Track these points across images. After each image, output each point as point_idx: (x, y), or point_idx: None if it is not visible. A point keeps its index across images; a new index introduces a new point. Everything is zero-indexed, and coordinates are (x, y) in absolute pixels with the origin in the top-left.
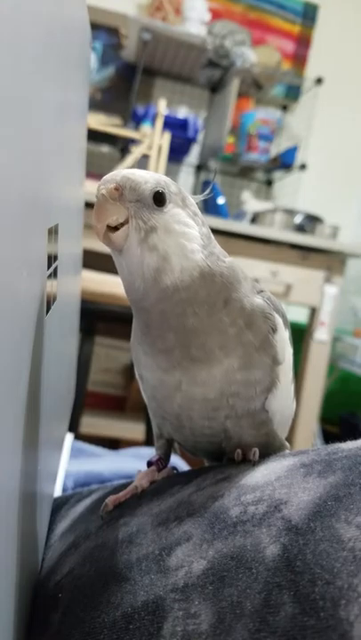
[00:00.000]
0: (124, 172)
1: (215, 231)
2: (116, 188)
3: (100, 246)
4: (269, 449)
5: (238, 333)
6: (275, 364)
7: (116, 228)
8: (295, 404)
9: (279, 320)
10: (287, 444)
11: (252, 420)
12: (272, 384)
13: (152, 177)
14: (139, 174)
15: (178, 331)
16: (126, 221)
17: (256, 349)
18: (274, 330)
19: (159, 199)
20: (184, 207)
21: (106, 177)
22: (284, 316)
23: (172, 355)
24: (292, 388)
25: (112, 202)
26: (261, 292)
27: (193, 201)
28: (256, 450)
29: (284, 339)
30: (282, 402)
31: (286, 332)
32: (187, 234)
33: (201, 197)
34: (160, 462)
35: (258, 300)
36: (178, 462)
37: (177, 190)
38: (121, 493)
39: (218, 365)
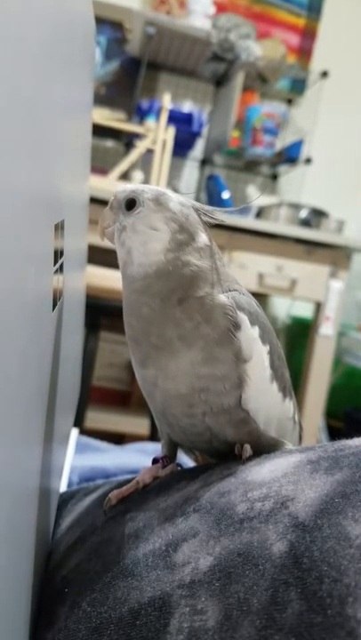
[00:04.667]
0: (118, 187)
1: (219, 226)
2: (111, 202)
3: (105, 242)
4: (258, 448)
5: (196, 327)
6: (240, 361)
7: None
8: (291, 404)
9: (244, 318)
10: (285, 442)
11: (230, 417)
12: (241, 381)
13: (131, 188)
14: (123, 187)
15: (137, 318)
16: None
17: (216, 343)
18: (236, 327)
19: (130, 204)
20: (158, 212)
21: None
22: (252, 315)
23: (140, 342)
24: (274, 386)
25: (109, 210)
26: (232, 291)
27: (177, 208)
28: (247, 446)
29: (250, 336)
30: (261, 400)
31: (255, 330)
32: (149, 235)
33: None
34: (165, 460)
35: (221, 298)
36: (185, 460)
37: (153, 197)
38: (124, 488)
39: (182, 357)
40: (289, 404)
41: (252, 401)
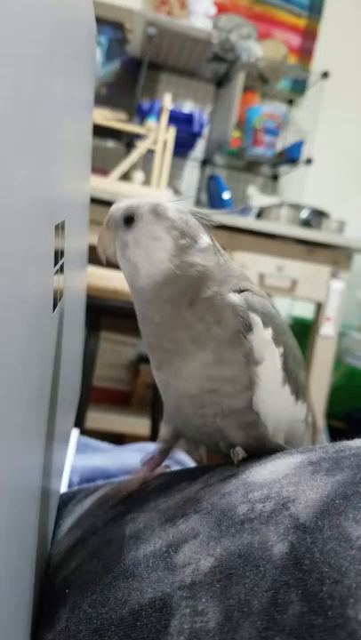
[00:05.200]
0: (112, 207)
1: (220, 226)
2: (107, 221)
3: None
4: (263, 452)
5: (207, 328)
6: (250, 363)
7: None
8: (303, 406)
9: (257, 319)
10: (288, 447)
11: (239, 419)
12: (251, 383)
13: (126, 204)
14: (117, 205)
15: (150, 326)
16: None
17: (227, 344)
18: (247, 328)
19: (128, 221)
20: (157, 222)
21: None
22: (266, 316)
23: (155, 348)
24: (286, 389)
25: (105, 230)
26: (244, 291)
27: (176, 216)
28: (239, 448)
29: (263, 338)
30: (271, 403)
31: (268, 332)
32: (153, 246)
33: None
34: (154, 461)
35: (232, 298)
36: (188, 461)
37: (150, 209)
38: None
39: (193, 359)
40: (302, 407)
41: (262, 403)
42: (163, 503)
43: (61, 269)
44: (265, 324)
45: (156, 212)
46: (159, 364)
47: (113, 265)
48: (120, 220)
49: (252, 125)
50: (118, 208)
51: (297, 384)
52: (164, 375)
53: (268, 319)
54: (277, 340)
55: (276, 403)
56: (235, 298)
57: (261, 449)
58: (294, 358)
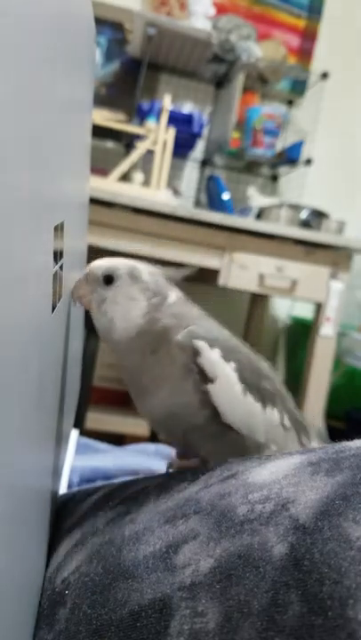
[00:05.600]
0: (93, 262)
1: (220, 227)
2: (86, 274)
3: (105, 242)
4: (246, 454)
5: (163, 370)
6: (203, 383)
7: None
8: (275, 411)
9: (201, 344)
10: (270, 445)
11: (202, 432)
12: (205, 402)
13: (106, 264)
14: (99, 263)
15: (123, 369)
16: (90, 295)
17: (178, 379)
18: (196, 353)
19: (108, 280)
20: (134, 284)
21: (87, 267)
22: (211, 340)
23: (129, 385)
24: (248, 398)
25: (83, 282)
26: (187, 327)
27: (149, 279)
28: (196, 460)
29: (211, 358)
30: (237, 413)
31: (215, 352)
32: (129, 305)
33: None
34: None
35: (178, 338)
36: None
37: (128, 272)
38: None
39: (154, 397)
40: (272, 412)
41: (227, 413)
42: (162, 504)
43: (61, 270)
44: (211, 346)
45: (133, 275)
46: (134, 396)
47: None
48: (100, 277)
49: (252, 126)
50: (100, 267)
51: (261, 392)
52: (138, 403)
53: (213, 341)
54: (227, 357)
55: (240, 412)
56: (179, 337)
57: (242, 450)
58: (253, 370)
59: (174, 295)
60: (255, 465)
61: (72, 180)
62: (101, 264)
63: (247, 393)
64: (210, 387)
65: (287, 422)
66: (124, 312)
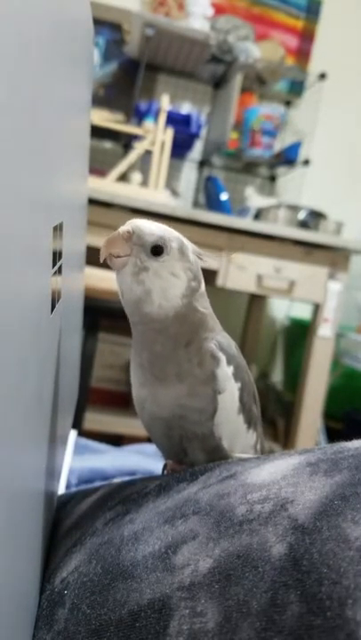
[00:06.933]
0: (139, 222)
1: (218, 227)
2: (129, 232)
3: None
4: None
5: (191, 368)
6: (216, 394)
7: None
8: (254, 435)
9: (222, 357)
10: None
11: (201, 444)
12: (214, 411)
13: (159, 232)
14: (149, 227)
15: (149, 351)
16: (127, 255)
17: (201, 382)
18: (217, 365)
19: (156, 250)
20: (180, 261)
21: (128, 222)
22: (229, 356)
23: (144, 370)
24: (240, 418)
25: (122, 239)
26: (216, 337)
27: (193, 258)
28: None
29: (225, 374)
30: (228, 428)
31: (230, 369)
32: (171, 282)
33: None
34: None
35: (210, 345)
36: None
37: (178, 246)
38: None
39: (172, 388)
40: (252, 435)
41: (220, 426)
42: (161, 504)
43: (59, 271)
44: (228, 362)
45: (182, 251)
46: (144, 382)
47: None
48: (149, 246)
49: (250, 126)
50: (152, 233)
51: (250, 415)
52: (144, 393)
53: (231, 358)
54: (237, 376)
55: (231, 428)
56: (212, 344)
57: None
58: (249, 393)
59: (203, 285)
60: (254, 465)
61: (71, 180)
62: (153, 230)
63: (240, 413)
64: (219, 397)
65: (259, 446)
66: (165, 288)
